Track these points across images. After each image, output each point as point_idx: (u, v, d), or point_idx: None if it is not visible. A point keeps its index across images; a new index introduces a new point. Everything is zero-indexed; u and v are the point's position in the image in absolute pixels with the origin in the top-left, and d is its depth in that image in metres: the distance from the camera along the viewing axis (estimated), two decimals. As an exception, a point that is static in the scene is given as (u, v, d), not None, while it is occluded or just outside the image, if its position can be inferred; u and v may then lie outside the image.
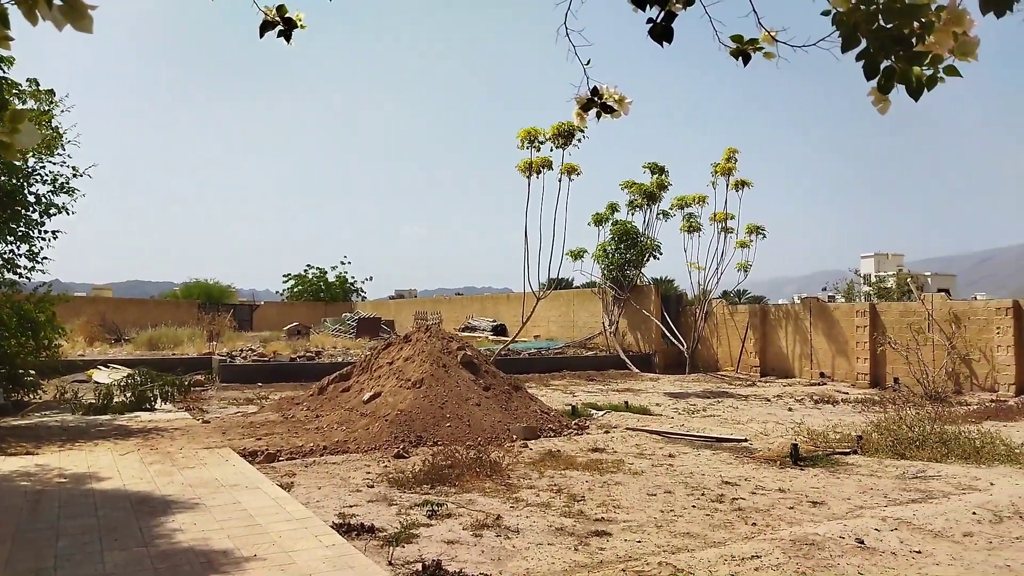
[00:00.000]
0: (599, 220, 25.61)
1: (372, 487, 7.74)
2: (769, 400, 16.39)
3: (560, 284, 30.16)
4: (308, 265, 54.80)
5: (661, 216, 25.17)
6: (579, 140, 20.26)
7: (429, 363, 11.45)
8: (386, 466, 8.79)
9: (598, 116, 2.28)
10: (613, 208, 25.64)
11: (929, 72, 1.81)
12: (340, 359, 20.28)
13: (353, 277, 55.20)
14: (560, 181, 21.20)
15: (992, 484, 7.95)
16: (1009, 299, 17.19)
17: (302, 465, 8.86)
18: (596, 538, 6.02)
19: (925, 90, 1.81)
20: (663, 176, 24.93)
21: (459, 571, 5.09)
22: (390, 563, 5.29)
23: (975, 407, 14.41)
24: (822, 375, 20.81)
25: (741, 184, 23.55)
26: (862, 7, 1.61)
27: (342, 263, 54.29)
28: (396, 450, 9.45)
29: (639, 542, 5.93)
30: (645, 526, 6.39)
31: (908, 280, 24.24)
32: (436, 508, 6.73)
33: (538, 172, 20.71)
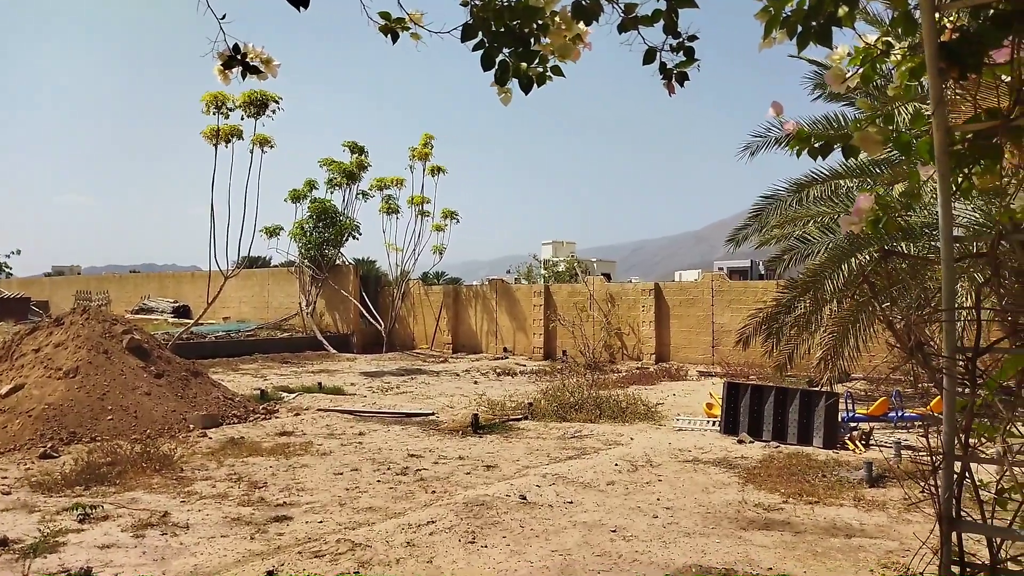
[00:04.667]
0: (296, 197, 24.71)
1: (8, 494, 6.65)
2: (459, 375, 17.36)
3: (255, 263, 28.45)
4: (-72, 234, 44.81)
5: (360, 196, 25.12)
6: (274, 111, 19.21)
7: (86, 349, 10.05)
8: (28, 469, 7.59)
9: (243, 76, 2.18)
10: (311, 185, 24.91)
11: (540, 69, 2.07)
12: (-29, 348, 16.89)
13: (-6, 250, 46.25)
14: (252, 152, 19.98)
15: (632, 439, 9.36)
16: (651, 282, 20.35)
17: (-93, 477, 7.26)
18: (276, 524, 5.85)
19: (535, 85, 2.06)
20: (363, 156, 24.83)
21: (112, 577, 4.58)
22: (24, 579, 4.58)
23: (624, 374, 16.82)
24: (505, 350, 22.60)
25: (437, 170, 24.41)
26: (479, 3, 1.76)
27: (-22, 233, 45.25)
28: (42, 450, 8.19)
29: (321, 522, 5.90)
30: (328, 506, 6.37)
31: (576, 265, 27.35)
32: (89, 511, 5.98)
33: (227, 141, 19.20)
